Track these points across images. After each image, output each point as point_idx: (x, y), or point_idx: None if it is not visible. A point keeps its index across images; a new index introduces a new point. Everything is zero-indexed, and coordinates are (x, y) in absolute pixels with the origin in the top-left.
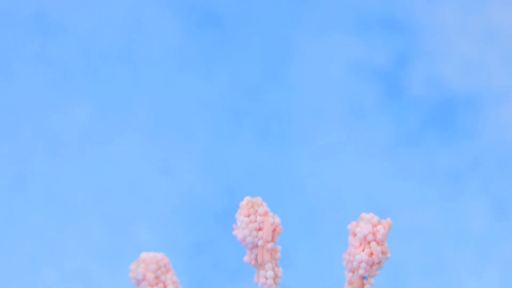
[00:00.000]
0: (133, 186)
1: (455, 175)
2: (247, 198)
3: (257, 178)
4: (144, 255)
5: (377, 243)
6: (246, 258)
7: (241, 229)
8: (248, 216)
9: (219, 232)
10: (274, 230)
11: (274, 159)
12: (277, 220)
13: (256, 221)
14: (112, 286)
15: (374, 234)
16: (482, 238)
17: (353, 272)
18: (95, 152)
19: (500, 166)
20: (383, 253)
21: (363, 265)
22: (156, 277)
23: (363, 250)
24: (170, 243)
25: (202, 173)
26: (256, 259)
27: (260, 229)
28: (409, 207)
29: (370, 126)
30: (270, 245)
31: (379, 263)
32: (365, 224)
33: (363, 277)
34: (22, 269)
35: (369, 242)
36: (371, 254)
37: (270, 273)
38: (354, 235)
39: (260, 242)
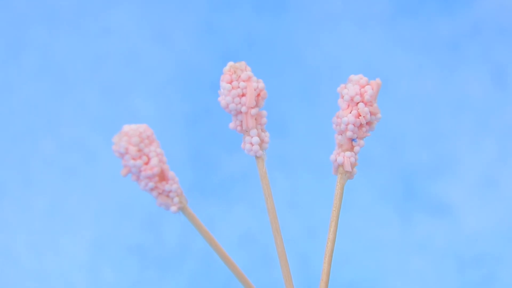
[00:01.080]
0: (129, 55)
1: (454, 43)
2: (229, 64)
3: (254, 47)
4: (126, 127)
5: (365, 103)
6: (231, 125)
7: (224, 95)
8: (231, 82)
9: (215, 101)
10: (258, 95)
11: (272, 28)
12: (261, 84)
13: (239, 86)
14: (107, 155)
15: (361, 95)
16: (480, 106)
17: (342, 135)
18: (91, 20)
19: (500, 33)
20: (372, 113)
21: (350, 126)
22: (139, 150)
23: (350, 112)
24: (166, 112)
25: (199, 42)
26: (241, 125)
27: (243, 94)
28: (408, 76)
29: None
30: (254, 110)
31: (369, 124)
32: (352, 85)
33: (352, 139)
34: (19, 138)
35: (356, 103)
36: (359, 115)
37: (255, 139)
38: (342, 97)
39: (243, 108)
